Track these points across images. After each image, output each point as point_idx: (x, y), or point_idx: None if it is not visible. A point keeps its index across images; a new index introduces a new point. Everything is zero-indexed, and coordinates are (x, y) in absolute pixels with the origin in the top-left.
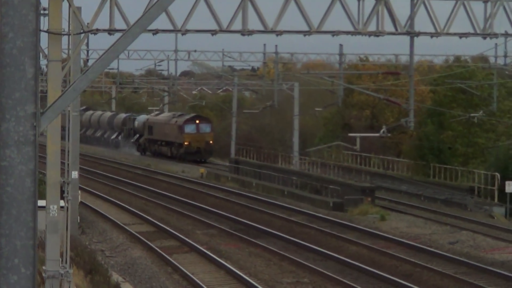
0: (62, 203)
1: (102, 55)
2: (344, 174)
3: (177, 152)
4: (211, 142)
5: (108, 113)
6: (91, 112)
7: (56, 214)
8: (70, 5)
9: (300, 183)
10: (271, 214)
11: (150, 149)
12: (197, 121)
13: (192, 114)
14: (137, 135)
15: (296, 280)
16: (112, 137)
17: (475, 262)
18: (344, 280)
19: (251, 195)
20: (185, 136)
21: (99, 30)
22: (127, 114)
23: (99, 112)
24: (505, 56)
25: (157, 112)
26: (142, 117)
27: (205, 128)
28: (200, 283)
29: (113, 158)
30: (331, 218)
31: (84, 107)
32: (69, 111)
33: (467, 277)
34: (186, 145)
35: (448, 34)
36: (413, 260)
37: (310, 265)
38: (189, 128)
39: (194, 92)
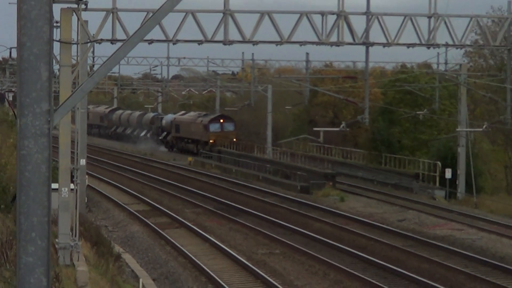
0: (72, 186)
1: (105, 61)
2: (310, 162)
3: (203, 149)
4: (234, 139)
5: (137, 113)
6: (121, 111)
7: (67, 195)
8: (78, 19)
9: (273, 169)
10: (248, 196)
11: (177, 146)
12: (221, 120)
13: (217, 114)
14: (165, 133)
15: (269, 251)
16: (141, 135)
17: (419, 236)
18: (310, 252)
19: (231, 179)
20: (210, 135)
21: (103, 40)
22: (154, 113)
23: (128, 111)
24: (446, 63)
25: (183, 112)
26: (169, 116)
27: (229, 126)
28: (189, 254)
29: (115, 148)
30: (298, 199)
31: (114, 107)
32: (78, 108)
33: (412, 249)
34: (211, 143)
35: (398, 44)
36: (367, 235)
37: (281, 238)
38: (214, 127)
39: (183, 92)
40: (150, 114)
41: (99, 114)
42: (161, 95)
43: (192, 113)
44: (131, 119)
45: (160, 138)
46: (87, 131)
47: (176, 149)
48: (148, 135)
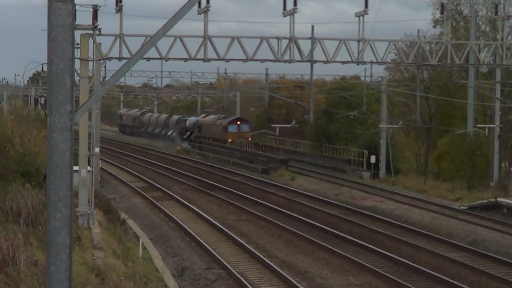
0: (89, 168)
1: (114, 74)
2: (268, 150)
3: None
4: (249, 139)
5: (164, 115)
6: (150, 114)
7: (85, 175)
8: (94, 42)
9: (241, 156)
10: (221, 176)
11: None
12: (239, 122)
13: (235, 117)
14: (188, 133)
15: (238, 218)
16: (168, 134)
17: (351, 207)
18: (268, 218)
19: (209, 163)
20: (228, 135)
21: (113, 57)
22: (179, 116)
23: (157, 114)
24: (371, 76)
25: (204, 115)
26: (192, 118)
27: (245, 128)
28: (177, 219)
29: (119, 139)
30: (260, 178)
31: (144, 110)
32: (93, 109)
33: (346, 216)
34: (230, 142)
35: (335, 61)
36: (311, 205)
37: (246, 208)
38: (232, 128)
39: (173, 98)
40: (176, 117)
41: (132, 116)
42: (156, 100)
43: (212, 116)
44: (159, 120)
45: (184, 137)
46: (122, 130)
47: (197, 146)
48: (174, 134)
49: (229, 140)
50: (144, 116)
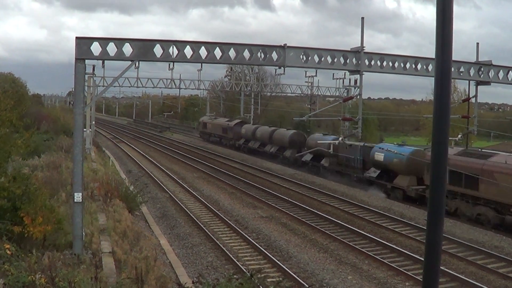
0: (90, 129)
1: (100, 92)
2: (162, 124)
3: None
4: None
5: (267, 128)
6: (248, 125)
7: (88, 132)
8: (93, 79)
9: (153, 126)
10: (143, 131)
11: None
12: None
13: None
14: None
15: (149, 150)
16: (284, 153)
17: (197, 146)
18: (161, 150)
19: (137, 127)
20: None
21: (100, 86)
22: (293, 131)
23: (254, 126)
24: (203, 95)
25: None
26: (328, 137)
27: None
28: (125, 150)
29: (107, 121)
30: (158, 134)
31: (238, 120)
32: (91, 106)
33: (195, 150)
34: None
35: (188, 89)
36: (178, 145)
37: (153, 146)
38: None
39: (124, 102)
40: (290, 132)
41: (221, 126)
42: (117, 104)
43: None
44: (276, 136)
45: (302, 160)
46: (206, 138)
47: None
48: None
49: None
50: (242, 127)
